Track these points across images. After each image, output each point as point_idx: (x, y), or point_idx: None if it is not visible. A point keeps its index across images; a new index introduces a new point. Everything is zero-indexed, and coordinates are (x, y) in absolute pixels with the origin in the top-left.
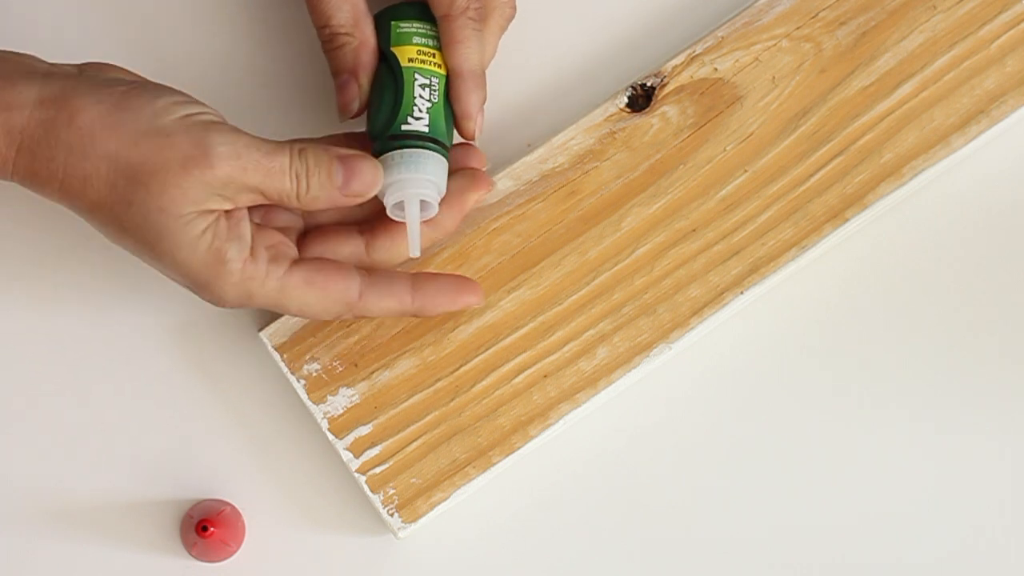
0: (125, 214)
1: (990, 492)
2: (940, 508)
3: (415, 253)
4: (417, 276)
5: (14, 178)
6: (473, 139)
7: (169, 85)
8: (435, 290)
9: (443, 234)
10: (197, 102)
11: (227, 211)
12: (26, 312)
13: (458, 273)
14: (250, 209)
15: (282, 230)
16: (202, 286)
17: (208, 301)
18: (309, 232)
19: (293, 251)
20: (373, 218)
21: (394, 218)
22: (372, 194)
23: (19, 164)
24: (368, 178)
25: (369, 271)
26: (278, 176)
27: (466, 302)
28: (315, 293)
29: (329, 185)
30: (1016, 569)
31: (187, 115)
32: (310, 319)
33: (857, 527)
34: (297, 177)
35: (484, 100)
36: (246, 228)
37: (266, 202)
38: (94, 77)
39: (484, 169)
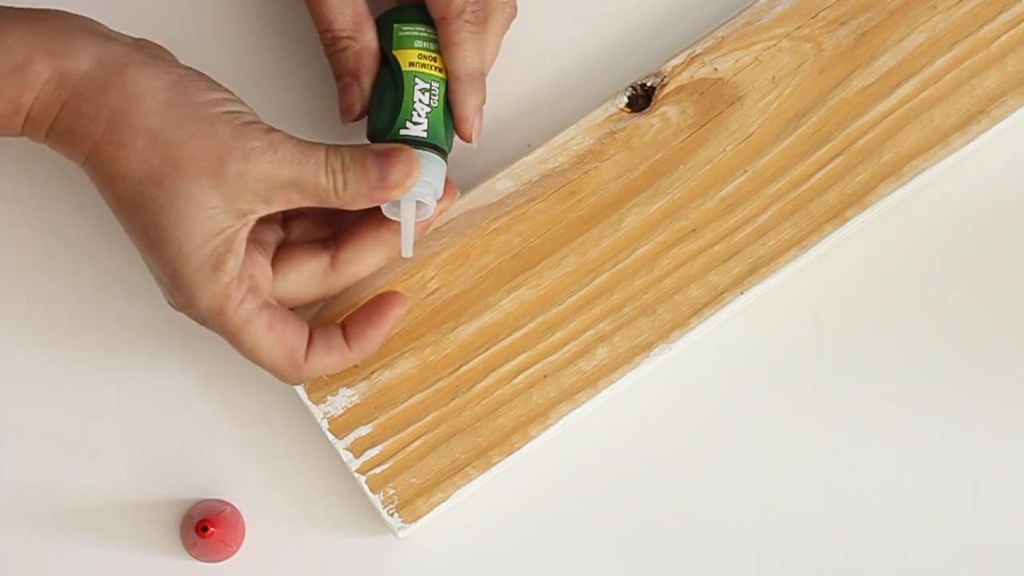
0: (151, 191)
1: (989, 493)
2: (943, 508)
3: (408, 253)
4: (345, 322)
5: (49, 136)
6: (471, 142)
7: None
8: (363, 324)
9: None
10: (243, 103)
11: (241, 226)
12: (25, 313)
13: (384, 291)
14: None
15: (264, 245)
16: (184, 285)
17: (176, 301)
18: (280, 247)
19: (268, 289)
20: (340, 234)
21: (389, 217)
22: (411, 184)
23: (62, 117)
24: (404, 168)
25: (309, 336)
26: (313, 170)
27: (393, 315)
28: (272, 339)
29: (365, 180)
30: (1015, 569)
31: (233, 111)
32: (252, 362)
33: (858, 526)
34: (333, 172)
35: (482, 103)
36: (243, 249)
37: (303, 203)
38: (152, 53)
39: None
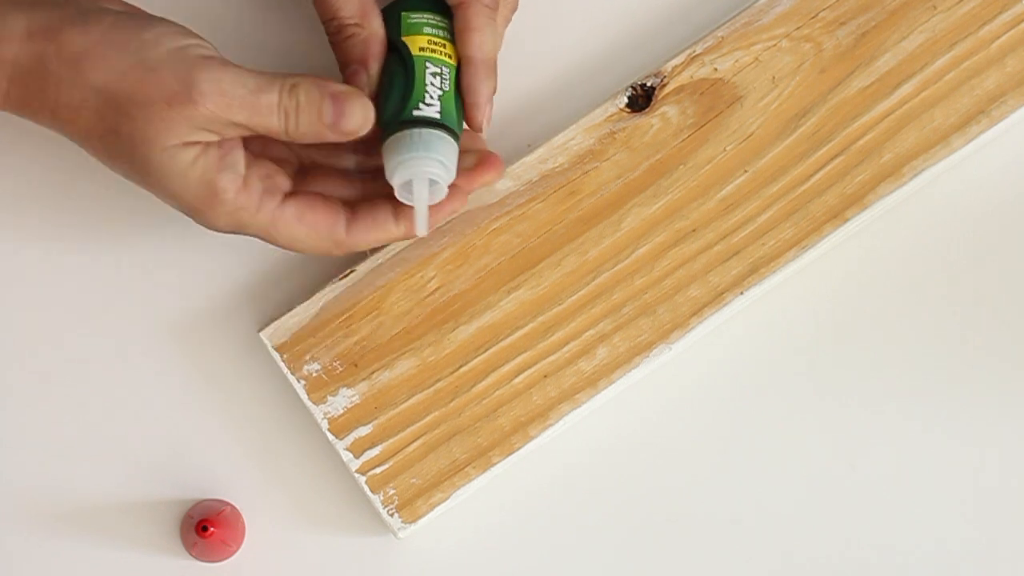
0: (114, 144)
1: (990, 492)
2: (944, 507)
3: (423, 232)
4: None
5: (6, 107)
6: (481, 130)
7: (163, 16)
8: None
9: (449, 216)
10: (190, 34)
11: (217, 142)
12: (25, 312)
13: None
14: (247, 139)
15: (278, 162)
16: (196, 212)
17: (201, 225)
18: (305, 170)
19: (286, 183)
20: (359, 198)
21: (402, 200)
22: (363, 133)
23: (12, 94)
24: (358, 119)
25: (353, 207)
26: (265, 113)
27: (454, 207)
28: (304, 229)
29: (319, 123)
30: (1016, 568)
31: (176, 48)
32: (298, 252)
33: (858, 526)
34: (286, 114)
35: (494, 91)
36: (239, 157)
37: (257, 135)
38: (81, 5)
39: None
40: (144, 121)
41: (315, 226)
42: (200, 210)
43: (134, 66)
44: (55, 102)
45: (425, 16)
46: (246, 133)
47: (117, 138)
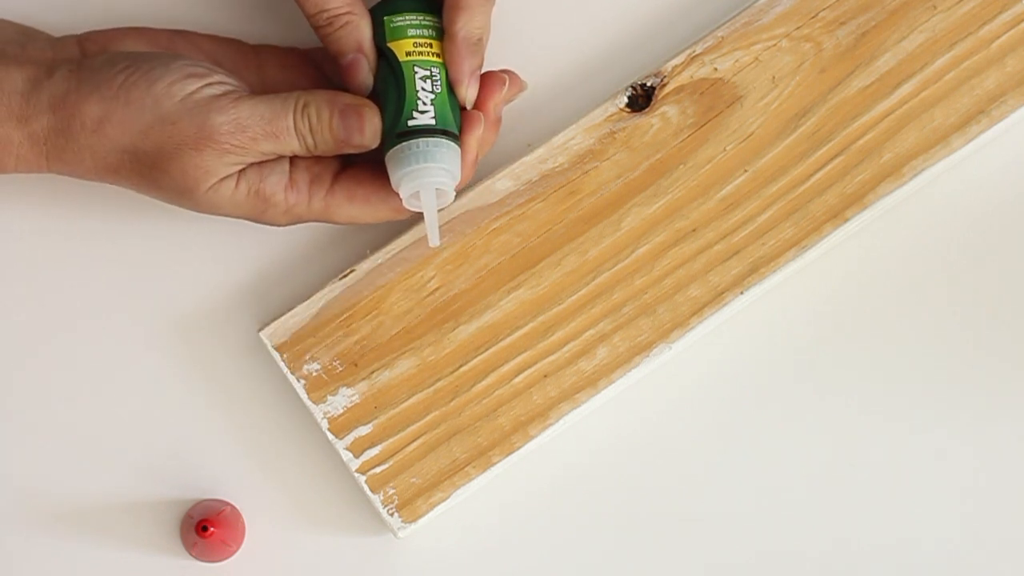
0: (159, 191)
1: (989, 491)
2: (944, 506)
3: (435, 242)
4: None
5: (52, 171)
6: (466, 106)
7: (165, 53)
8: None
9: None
10: (196, 70)
11: (238, 172)
12: (25, 312)
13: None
14: None
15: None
16: (254, 220)
17: (264, 225)
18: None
19: (335, 164)
20: (347, 167)
21: (411, 208)
22: (374, 146)
23: (52, 166)
24: (367, 135)
25: None
26: (284, 137)
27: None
28: (358, 207)
29: (332, 140)
30: (1016, 566)
31: (188, 94)
32: (365, 224)
33: (858, 526)
34: (302, 136)
35: (478, 68)
36: (277, 166)
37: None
38: (93, 64)
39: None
40: (180, 172)
41: (367, 200)
42: (257, 217)
43: (153, 123)
44: (92, 165)
45: (408, 17)
46: (274, 156)
47: (160, 188)
